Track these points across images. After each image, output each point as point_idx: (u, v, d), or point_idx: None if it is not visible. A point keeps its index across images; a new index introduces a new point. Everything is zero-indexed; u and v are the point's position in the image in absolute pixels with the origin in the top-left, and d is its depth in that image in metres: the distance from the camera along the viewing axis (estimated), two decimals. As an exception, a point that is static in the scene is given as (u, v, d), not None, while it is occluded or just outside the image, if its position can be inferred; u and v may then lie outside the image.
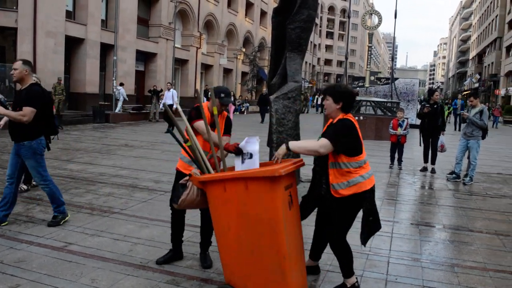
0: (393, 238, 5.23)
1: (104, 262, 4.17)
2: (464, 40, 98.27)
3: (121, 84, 22.43)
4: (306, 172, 7.65)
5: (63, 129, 7.41)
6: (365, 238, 3.69)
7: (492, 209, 6.94)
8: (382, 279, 4.08)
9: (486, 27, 69.16)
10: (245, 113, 34.46)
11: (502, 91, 53.11)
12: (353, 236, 3.90)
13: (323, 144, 3.47)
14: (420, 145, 10.34)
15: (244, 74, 44.22)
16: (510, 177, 10.03)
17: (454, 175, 9.14)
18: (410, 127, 11.05)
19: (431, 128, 9.86)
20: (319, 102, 44.72)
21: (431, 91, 10.47)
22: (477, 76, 68.50)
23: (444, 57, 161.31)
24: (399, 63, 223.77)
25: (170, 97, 18.18)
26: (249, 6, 44.43)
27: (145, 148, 12.17)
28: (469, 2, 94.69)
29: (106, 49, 24.16)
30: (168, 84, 19.46)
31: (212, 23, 36.59)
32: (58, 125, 7.27)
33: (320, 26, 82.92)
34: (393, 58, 35.01)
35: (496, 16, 60.80)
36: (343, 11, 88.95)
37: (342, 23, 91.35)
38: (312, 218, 4.01)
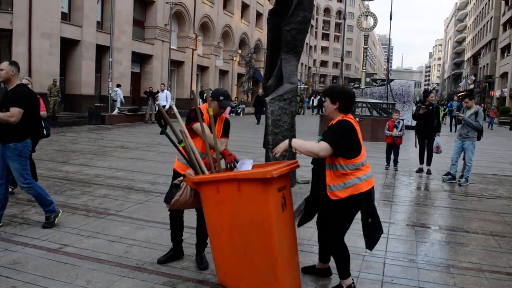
0: (389, 239, 5.24)
1: (100, 263, 4.15)
2: (459, 42, 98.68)
3: (118, 86, 22.41)
4: (303, 173, 7.66)
5: (49, 134, 7.33)
6: (367, 241, 3.66)
7: (487, 210, 6.96)
8: (378, 280, 4.08)
9: (481, 29, 69.51)
10: (241, 115, 34.48)
11: (497, 93, 53.39)
12: (349, 237, 3.91)
13: (323, 148, 3.46)
14: (415, 146, 10.36)
15: (240, 75, 44.25)
16: (505, 178, 10.07)
17: (449, 176, 9.17)
18: (406, 129, 11.10)
19: (426, 129, 9.89)
20: (315, 104, 44.86)
21: (427, 93, 10.50)
22: (472, 77, 68.78)
23: (439, 59, 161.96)
24: (395, 65, 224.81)
25: (164, 98, 18.18)
26: (245, 7, 44.48)
27: (141, 150, 12.15)
28: (464, 4, 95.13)
29: (102, 51, 24.13)
30: (162, 86, 19.46)
31: (208, 25, 36.61)
32: (48, 127, 7.22)
33: (316, 28, 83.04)
34: (388, 60, 35.08)
35: (491, 18, 61.15)
36: (339, 12, 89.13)
37: (337, 25, 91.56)
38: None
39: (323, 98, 3.74)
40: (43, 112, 6.84)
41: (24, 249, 4.42)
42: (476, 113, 8.70)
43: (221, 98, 4.05)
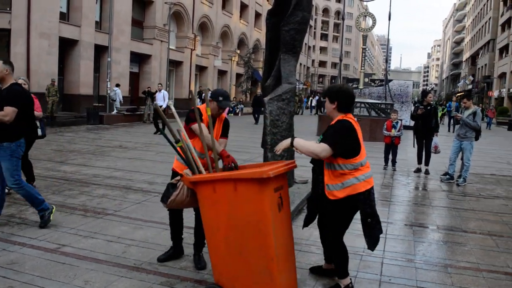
0: (387, 239, 5.24)
1: (98, 263, 4.15)
2: (458, 42, 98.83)
3: (118, 85, 22.40)
4: (301, 173, 7.66)
5: (44, 135, 7.30)
6: (368, 241, 3.65)
7: (485, 209, 6.97)
8: (376, 280, 4.08)
9: (479, 29, 69.60)
10: (239, 115, 34.46)
11: (495, 93, 53.47)
12: (347, 237, 3.90)
13: (324, 149, 3.45)
14: (414, 146, 10.37)
15: (238, 75, 44.25)
16: (503, 178, 10.09)
17: (447, 176, 9.18)
18: (404, 129, 11.09)
19: (424, 129, 9.90)
20: (313, 104, 44.85)
21: (425, 93, 10.50)
22: (471, 78, 68.90)
23: (438, 59, 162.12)
24: (393, 65, 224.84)
25: (162, 98, 18.13)
26: (243, 8, 44.48)
27: (139, 150, 12.14)
28: (463, 5, 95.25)
29: (100, 51, 24.11)
30: (159, 85, 19.41)
31: (207, 25, 36.60)
32: (43, 127, 7.18)
33: (315, 28, 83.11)
34: (387, 60, 35.10)
35: (489, 18, 61.23)
36: (338, 13, 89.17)
37: (336, 25, 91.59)
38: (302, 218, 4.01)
39: (321, 99, 3.74)
40: (39, 113, 6.81)
41: (22, 249, 4.41)
42: (474, 113, 8.71)
43: (220, 98, 4.03)
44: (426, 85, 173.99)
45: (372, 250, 3.73)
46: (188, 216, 4.58)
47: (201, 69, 37.76)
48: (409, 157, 12.10)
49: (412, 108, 18.77)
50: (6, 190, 6.31)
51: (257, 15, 47.87)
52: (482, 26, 66.85)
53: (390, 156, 10.58)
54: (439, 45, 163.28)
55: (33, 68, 19.62)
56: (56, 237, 4.80)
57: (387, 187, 8.51)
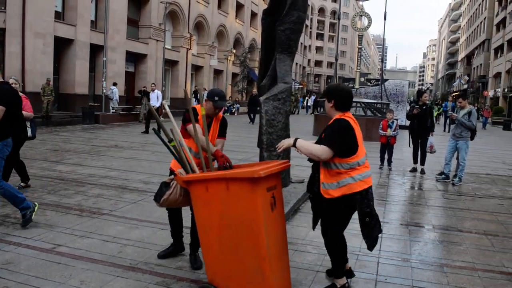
0: (383, 239, 5.24)
1: (93, 263, 4.13)
2: (453, 42, 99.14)
3: (115, 84, 22.33)
4: (297, 173, 7.68)
5: (34, 135, 7.24)
6: (367, 242, 3.62)
7: (480, 209, 7.00)
8: (372, 280, 4.09)
9: (474, 29, 69.86)
10: (235, 114, 34.47)
11: (490, 93, 53.70)
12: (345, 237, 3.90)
13: (324, 151, 3.44)
14: (409, 146, 10.40)
15: (234, 75, 44.24)
16: (498, 177, 10.13)
17: (443, 176, 9.21)
18: (400, 128, 11.13)
19: (420, 129, 9.92)
20: (309, 104, 44.93)
21: (420, 93, 10.54)
22: (466, 77, 69.11)
23: (433, 59, 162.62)
24: (389, 65, 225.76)
25: (155, 98, 18.06)
26: (239, 7, 44.48)
27: (135, 149, 12.11)
28: (458, 4, 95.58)
29: (96, 50, 24.04)
30: (153, 85, 19.34)
31: (203, 24, 36.56)
32: (34, 127, 7.09)
33: (310, 28, 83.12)
34: (383, 60, 35.22)
35: (485, 18, 61.47)
36: (333, 12, 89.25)
37: (332, 25, 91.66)
38: (300, 218, 4.01)
39: (318, 99, 3.73)
40: (29, 113, 6.73)
41: (17, 249, 4.39)
42: (469, 113, 8.74)
43: (216, 98, 4.02)
44: (422, 84, 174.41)
45: (371, 250, 3.72)
46: (184, 215, 4.57)
47: (197, 69, 37.71)
48: (405, 157, 12.13)
49: (408, 107, 18.85)
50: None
51: (253, 15, 47.87)
52: (477, 26, 67.11)
53: (386, 156, 10.60)
54: (434, 45, 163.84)
55: (28, 67, 19.54)
56: (51, 237, 4.78)
57: (383, 186, 8.53)
